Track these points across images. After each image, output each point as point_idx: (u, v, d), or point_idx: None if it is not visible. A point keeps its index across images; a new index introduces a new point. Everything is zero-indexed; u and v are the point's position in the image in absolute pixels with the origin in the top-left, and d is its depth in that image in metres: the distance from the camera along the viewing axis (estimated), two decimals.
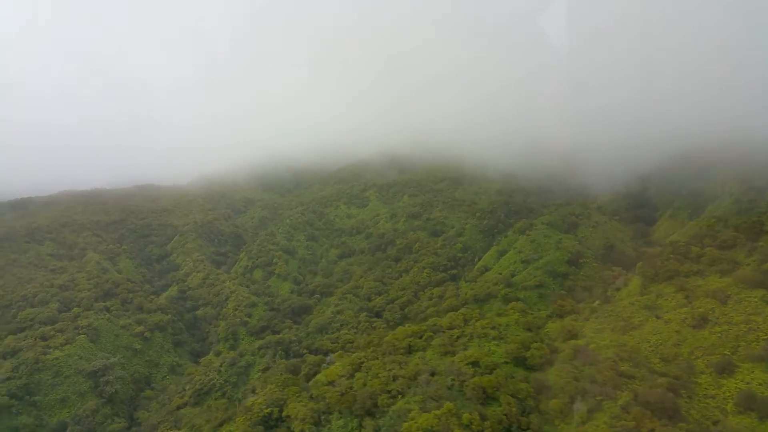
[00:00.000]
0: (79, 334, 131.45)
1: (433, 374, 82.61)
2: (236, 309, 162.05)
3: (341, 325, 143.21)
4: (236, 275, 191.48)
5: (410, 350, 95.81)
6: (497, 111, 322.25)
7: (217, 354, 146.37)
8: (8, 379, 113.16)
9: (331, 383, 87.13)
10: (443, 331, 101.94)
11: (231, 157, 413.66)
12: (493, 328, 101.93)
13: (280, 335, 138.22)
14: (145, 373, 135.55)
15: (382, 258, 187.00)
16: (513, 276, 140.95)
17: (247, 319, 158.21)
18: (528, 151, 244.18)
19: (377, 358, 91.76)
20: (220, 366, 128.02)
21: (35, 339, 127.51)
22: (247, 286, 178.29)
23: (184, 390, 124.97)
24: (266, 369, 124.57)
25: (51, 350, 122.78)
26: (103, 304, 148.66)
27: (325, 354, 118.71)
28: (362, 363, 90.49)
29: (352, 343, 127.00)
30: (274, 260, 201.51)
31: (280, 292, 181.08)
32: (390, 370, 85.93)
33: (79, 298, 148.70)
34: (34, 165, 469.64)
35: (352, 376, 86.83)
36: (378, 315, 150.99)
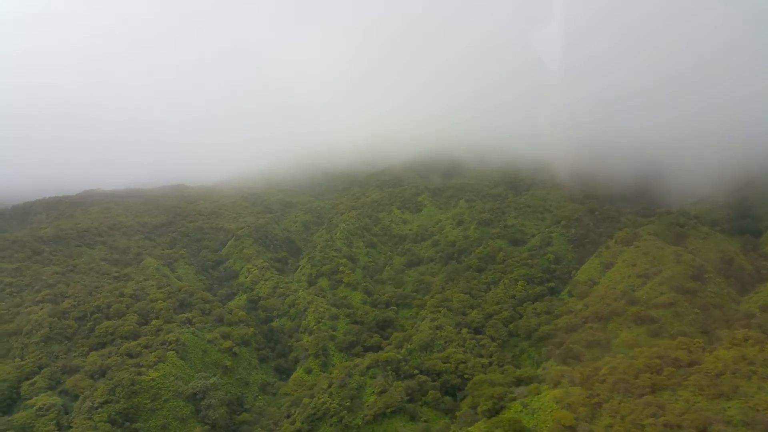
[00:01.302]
0: (168, 350, 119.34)
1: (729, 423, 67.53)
2: (319, 322, 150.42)
3: (446, 342, 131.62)
4: (304, 284, 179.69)
5: (654, 389, 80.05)
6: (558, 109, 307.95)
7: (308, 371, 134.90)
8: (106, 402, 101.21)
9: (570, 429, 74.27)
10: (683, 366, 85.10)
11: (261, 157, 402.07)
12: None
13: (385, 353, 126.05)
14: (237, 393, 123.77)
15: (460, 268, 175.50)
16: (634, 291, 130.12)
17: (333, 332, 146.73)
18: (597, 154, 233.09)
19: (612, 398, 78.66)
20: (329, 387, 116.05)
21: (122, 356, 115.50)
22: (323, 297, 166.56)
23: (290, 414, 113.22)
24: (382, 392, 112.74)
25: (145, 369, 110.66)
26: (184, 315, 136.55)
27: (462, 378, 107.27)
28: (598, 403, 77.31)
29: (494, 368, 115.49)
30: (340, 268, 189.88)
31: (352, 303, 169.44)
32: (656, 416, 72.20)
33: (156, 309, 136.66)
34: (48, 163, 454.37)
35: (590, 420, 74.20)
36: (477, 331, 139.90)
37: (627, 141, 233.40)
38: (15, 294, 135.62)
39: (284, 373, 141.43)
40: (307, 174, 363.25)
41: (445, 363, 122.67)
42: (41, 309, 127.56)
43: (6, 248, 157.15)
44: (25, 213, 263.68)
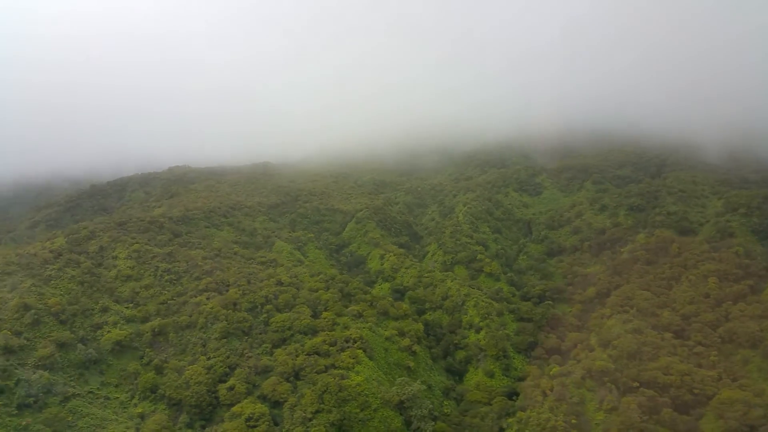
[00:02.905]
0: (356, 349, 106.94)
1: None
2: (486, 318, 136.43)
3: (654, 350, 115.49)
4: (446, 273, 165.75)
5: None
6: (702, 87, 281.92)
7: (490, 375, 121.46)
8: (318, 412, 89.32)
9: None
10: None
11: (339, 136, 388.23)
12: None
13: (598, 361, 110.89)
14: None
15: (624, 260, 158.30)
16: None
17: (505, 331, 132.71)
18: (747, 135, 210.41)
19: None
20: (544, 400, 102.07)
21: (311, 355, 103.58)
22: (479, 289, 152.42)
23: (503, 429, 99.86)
24: (612, 409, 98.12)
25: (345, 372, 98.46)
26: (353, 308, 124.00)
27: (692, 393, 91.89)
28: None
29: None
30: (478, 257, 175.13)
31: (510, 297, 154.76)
32: None
33: (322, 300, 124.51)
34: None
35: None
36: (678, 335, 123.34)
37: None
38: (174, 281, 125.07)
39: (455, 374, 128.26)
40: (391, 153, 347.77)
41: (666, 375, 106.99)
42: (209, 299, 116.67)
43: (146, 229, 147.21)
44: (121, 189, 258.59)
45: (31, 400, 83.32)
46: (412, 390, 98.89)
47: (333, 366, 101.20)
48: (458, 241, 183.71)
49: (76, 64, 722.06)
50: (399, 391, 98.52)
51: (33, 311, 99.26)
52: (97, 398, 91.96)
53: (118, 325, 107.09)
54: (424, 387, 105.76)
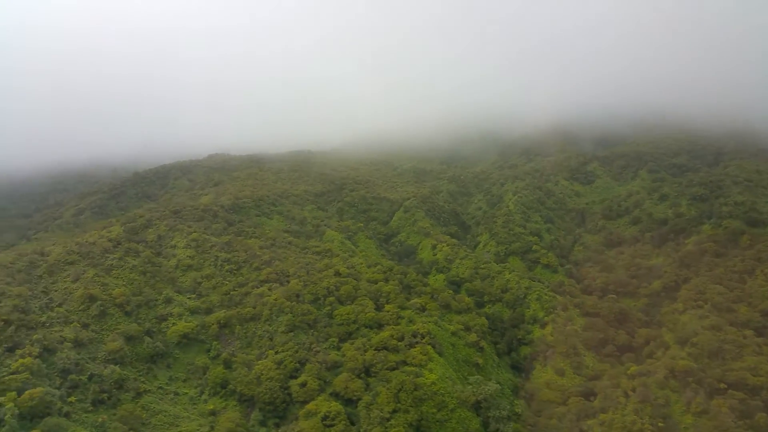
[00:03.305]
0: (423, 344, 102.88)
1: None
2: (551, 313, 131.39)
3: (738, 348, 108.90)
4: (502, 264, 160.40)
5: None
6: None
7: (560, 373, 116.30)
8: (395, 411, 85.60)
9: None
10: None
11: (375, 123, 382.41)
12: None
13: (681, 360, 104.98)
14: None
15: (692, 252, 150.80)
16: None
17: (573, 326, 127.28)
18: None
19: None
20: (626, 401, 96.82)
21: (380, 350, 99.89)
22: (539, 281, 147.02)
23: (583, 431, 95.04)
24: (701, 412, 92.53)
25: (418, 370, 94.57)
26: (416, 301, 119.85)
27: None
28: None
29: None
30: (534, 247, 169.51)
31: (573, 291, 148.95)
32: None
33: (383, 292, 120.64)
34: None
35: None
36: (760, 333, 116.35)
37: None
38: (235, 271, 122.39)
39: (520, 371, 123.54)
40: (426, 141, 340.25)
41: (755, 376, 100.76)
42: (271, 290, 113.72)
43: (201, 218, 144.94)
44: (164, 177, 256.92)
45: (105, 396, 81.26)
46: (489, 389, 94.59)
47: (404, 362, 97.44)
48: (511, 231, 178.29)
49: (114, 54, 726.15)
50: (475, 390, 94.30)
51: (99, 302, 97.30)
52: (166, 394, 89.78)
53: (184, 317, 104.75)
54: (499, 386, 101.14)
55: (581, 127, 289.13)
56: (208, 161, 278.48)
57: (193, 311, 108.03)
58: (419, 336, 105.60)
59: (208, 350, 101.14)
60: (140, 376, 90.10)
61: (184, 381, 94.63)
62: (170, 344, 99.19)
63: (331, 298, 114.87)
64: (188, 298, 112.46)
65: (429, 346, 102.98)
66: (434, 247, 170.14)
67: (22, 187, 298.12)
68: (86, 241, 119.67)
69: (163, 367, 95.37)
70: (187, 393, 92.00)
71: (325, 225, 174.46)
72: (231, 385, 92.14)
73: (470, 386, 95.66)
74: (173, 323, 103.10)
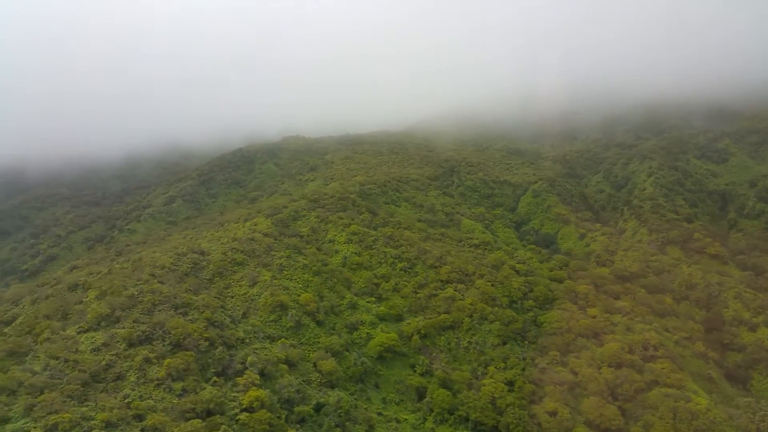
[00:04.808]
0: (662, 358, 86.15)
1: None
2: (759, 312, 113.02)
3: None
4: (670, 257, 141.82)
5: None
6: None
7: None
8: None
9: None
10: None
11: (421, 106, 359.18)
12: None
13: None
14: None
15: None
16: None
17: None
18: None
19: None
20: None
21: (620, 367, 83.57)
22: (728, 276, 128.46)
23: None
24: None
25: (683, 392, 78.07)
26: (621, 303, 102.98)
27: None
28: None
29: None
30: (695, 236, 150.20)
31: (762, 284, 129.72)
32: None
33: (580, 292, 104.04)
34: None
35: None
36: None
37: None
38: (409, 270, 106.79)
39: (734, 380, 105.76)
40: (478, 123, 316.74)
41: None
42: (458, 291, 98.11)
43: (344, 207, 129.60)
44: (249, 161, 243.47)
45: (339, 430, 66.82)
46: (764, 414, 77.59)
47: (655, 382, 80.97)
48: (663, 217, 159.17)
49: (191, 37, 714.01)
50: (751, 417, 77.41)
51: (292, 311, 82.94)
52: (388, 421, 75.08)
53: (378, 326, 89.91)
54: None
55: (693, 100, 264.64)
56: (287, 143, 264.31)
57: (382, 318, 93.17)
58: (651, 348, 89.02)
59: (413, 366, 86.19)
60: (356, 400, 75.62)
61: (398, 404, 79.96)
62: (370, 359, 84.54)
63: (530, 302, 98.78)
64: (367, 301, 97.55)
65: (668, 361, 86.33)
66: (583, 236, 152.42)
67: (85, 174, 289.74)
68: (243, 237, 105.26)
69: (371, 386, 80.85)
70: (407, 420, 77.26)
71: (457, 213, 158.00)
72: (460, 411, 77.01)
73: (742, 411, 78.80)
74: (366, 332, 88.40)
